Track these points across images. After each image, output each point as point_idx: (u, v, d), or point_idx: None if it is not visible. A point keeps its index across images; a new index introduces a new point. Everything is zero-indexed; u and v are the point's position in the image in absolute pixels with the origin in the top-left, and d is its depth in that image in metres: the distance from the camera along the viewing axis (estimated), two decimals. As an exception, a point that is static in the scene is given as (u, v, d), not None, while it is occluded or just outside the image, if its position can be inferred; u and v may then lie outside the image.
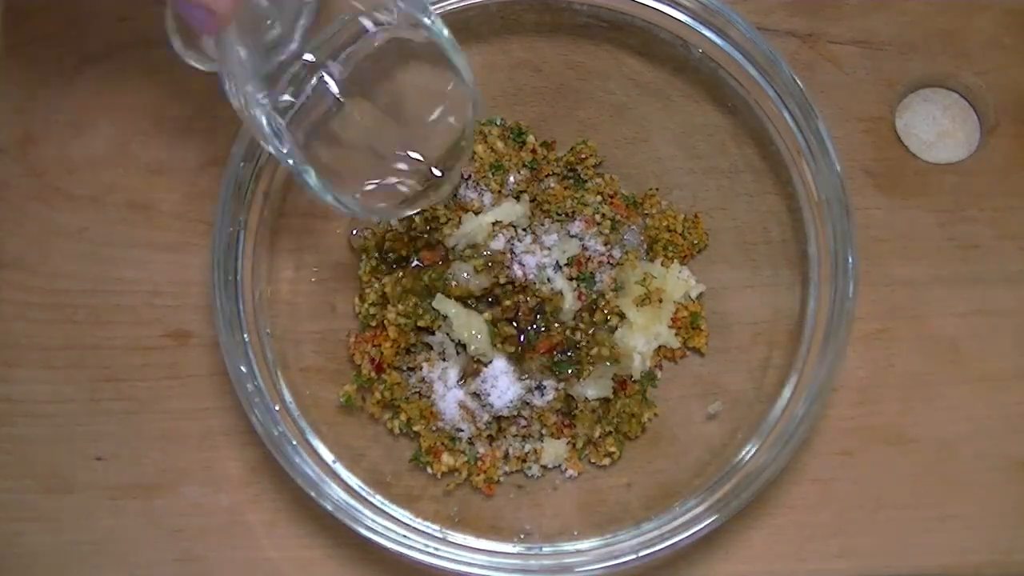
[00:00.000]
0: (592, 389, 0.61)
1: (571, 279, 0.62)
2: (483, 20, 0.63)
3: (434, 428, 0.62)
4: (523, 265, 0.61)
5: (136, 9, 0.67)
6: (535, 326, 0.61)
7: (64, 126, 0.66)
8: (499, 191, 0.62)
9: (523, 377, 0.61)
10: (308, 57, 0.49)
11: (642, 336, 0.62)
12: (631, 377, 0.62)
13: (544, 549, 0.58)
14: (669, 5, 0.60)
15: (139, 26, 0.67)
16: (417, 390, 0.63)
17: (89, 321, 0.64)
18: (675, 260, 0.64)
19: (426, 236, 0.62)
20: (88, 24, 0.67)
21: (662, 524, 0.56)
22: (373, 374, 0.62)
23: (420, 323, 0.61)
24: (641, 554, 0.55)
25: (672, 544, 0.55)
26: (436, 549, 0.56)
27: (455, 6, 0.61)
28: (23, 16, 0.67)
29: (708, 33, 0.60)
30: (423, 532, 0.57)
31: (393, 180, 0.53)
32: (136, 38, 0.67)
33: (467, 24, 0.62)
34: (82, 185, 0.65)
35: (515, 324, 0.61)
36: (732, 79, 0.61)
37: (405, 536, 0.56)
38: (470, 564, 0.56)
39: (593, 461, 0.63)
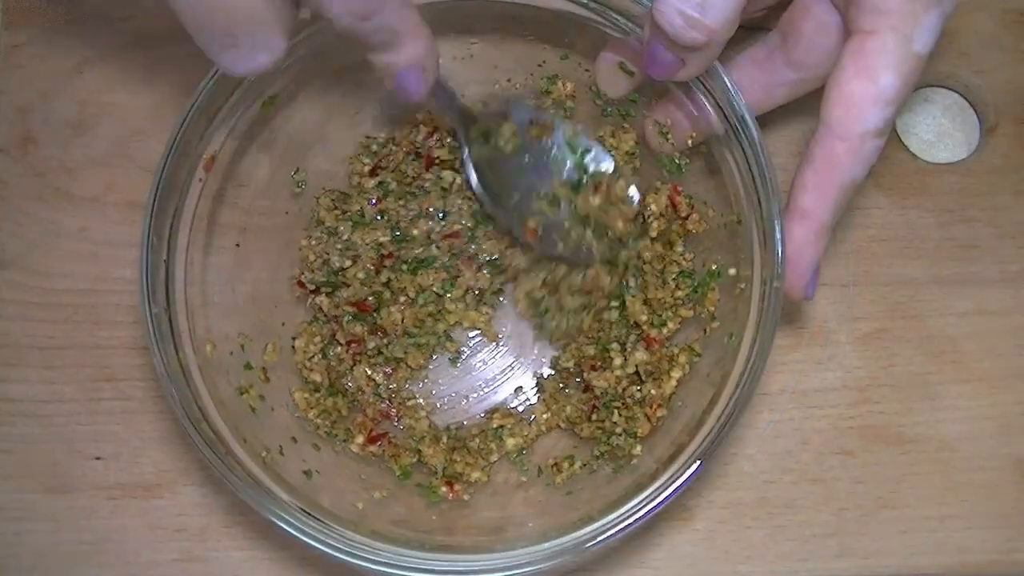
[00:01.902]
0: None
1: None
2: (484, 21, 0.63)
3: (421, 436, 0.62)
4: None
5: (136, 9, 0.67)
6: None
7: (64, 126, 0.66)
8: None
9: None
10: None
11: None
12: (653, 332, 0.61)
13: (528, 545, 0.56)
14: None
15: (139, 26, 0.67)
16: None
17: (89, 321, 0.64)
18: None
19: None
20: (88, 24, 0.67)
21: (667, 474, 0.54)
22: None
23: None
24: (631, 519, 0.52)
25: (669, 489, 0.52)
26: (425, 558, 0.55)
27: (456, 6, 0.60)
28: (23, 16, 0.67)
29: None
30: (414, 543, 0.55)
31: None
32: (136, 38, 0.67)
33: (468, 24, 0.62)
34: (82, 185, 0.65)
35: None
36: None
37: (396, 555, 0.53)
38: (472, 565, 0.55)
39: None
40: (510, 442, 0.62)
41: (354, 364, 0.63)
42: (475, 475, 0.61)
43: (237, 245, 0.60)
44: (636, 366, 0.61)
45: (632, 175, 0.63)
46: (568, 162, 0.61)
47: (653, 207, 0.62)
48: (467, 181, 0.62)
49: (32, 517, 0.62)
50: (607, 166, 0.61)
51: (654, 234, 0.62)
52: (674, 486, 0.52)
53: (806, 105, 0.58)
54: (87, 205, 0.65)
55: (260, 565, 0.61)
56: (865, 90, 0.50)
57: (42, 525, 0.62)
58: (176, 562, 0.61)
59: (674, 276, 0.61)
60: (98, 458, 0.62)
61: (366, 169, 0.64)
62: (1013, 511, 0.62)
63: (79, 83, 0.66)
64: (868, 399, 0.64)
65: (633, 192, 0.61)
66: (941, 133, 0.69)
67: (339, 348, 0.63)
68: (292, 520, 0.51)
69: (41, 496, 0.62)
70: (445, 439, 0.62)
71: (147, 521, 0.62)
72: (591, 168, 0.61)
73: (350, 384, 0.63)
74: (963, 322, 0.64)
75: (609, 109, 0.62)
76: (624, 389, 0.61)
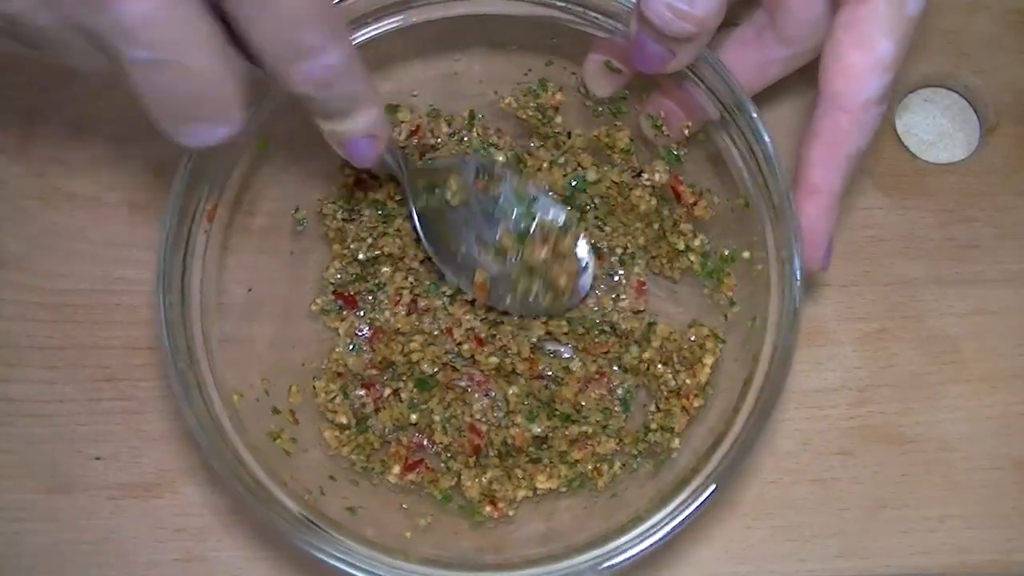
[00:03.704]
0: None
1: None
2: (467, 36, 0.62)
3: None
4: None
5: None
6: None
7: (64, 126, 0.66)
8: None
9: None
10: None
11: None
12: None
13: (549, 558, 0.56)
14: None
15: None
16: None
17: (89, 321, 0.64)
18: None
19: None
20: (88, 24, 0.67)
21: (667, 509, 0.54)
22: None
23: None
24: (645, 545, 0.53)
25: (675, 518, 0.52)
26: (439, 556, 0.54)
27: (464, 11, 0.59)
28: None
29: None
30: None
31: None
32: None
33: (451, 41, 0.61)
34: (82, 185, 0.65)
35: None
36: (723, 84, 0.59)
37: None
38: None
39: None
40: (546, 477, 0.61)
41: (377, 410, 0.62)
42: (520, 493, 0.60)
43: (249, 290, 0.59)
44: (662, 339, 0.61)
45: (582, 228, 0.62)
46: (516, 212, 0.61)
47: (652, 178, 0.61)
48: (416, 235, 0.61)
49: (32, 517, 0.62)
50: (556, 217, 0.61)
51: (644, 208, 0.62)
52: (724, 471, 0.52)
53: (794, 79, 0.59)
54: (87, 205, 0.65)
55: (260, 565, 0.61)
56: (863, 59, 0.50)
57: (42, 525, 0.62)
58: (176, 562, 0.61)
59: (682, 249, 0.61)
60: (98, 458, 0.62)
61: (350, 181, 0.63)
62: (1013, 511, 0.62)
63: (79, 83, 0.66)
64: (868, 399, 0.64)
65: (582, 249, 0.61)
66: (941, 133, 0.69)
67: (361, 392, 0.62)
68: (343, 556, 0.51)
69: (41, 496, 0.62)
70: (485, 468, 0.61)
71: (147, 521, 0.62)
72: (539, 217, 0.61)
73: (375, 425, 0.62)
74: (963, 322, 0.64)
75: (600, 109, 0.62)
76: (660, 377, 0.60)
